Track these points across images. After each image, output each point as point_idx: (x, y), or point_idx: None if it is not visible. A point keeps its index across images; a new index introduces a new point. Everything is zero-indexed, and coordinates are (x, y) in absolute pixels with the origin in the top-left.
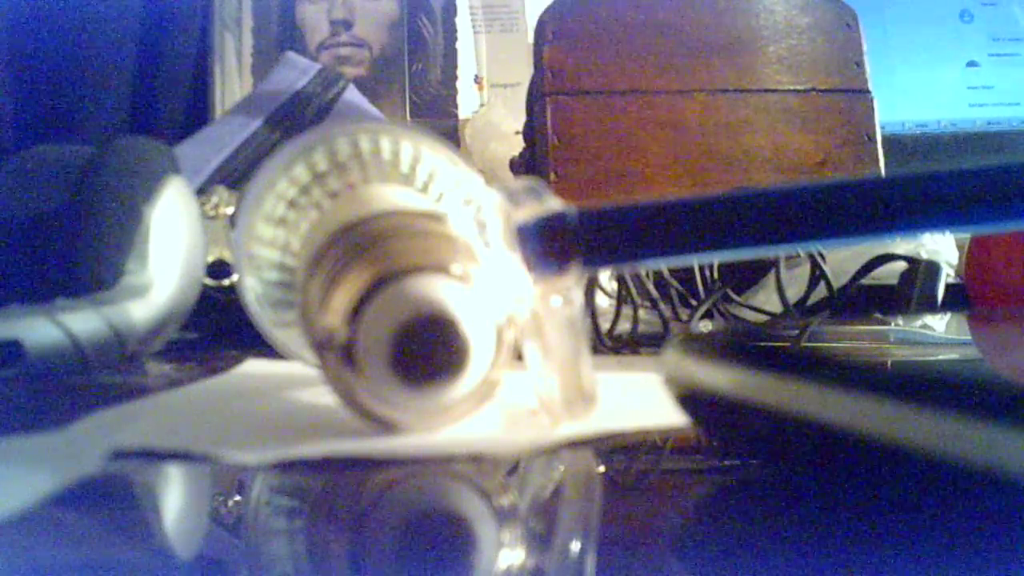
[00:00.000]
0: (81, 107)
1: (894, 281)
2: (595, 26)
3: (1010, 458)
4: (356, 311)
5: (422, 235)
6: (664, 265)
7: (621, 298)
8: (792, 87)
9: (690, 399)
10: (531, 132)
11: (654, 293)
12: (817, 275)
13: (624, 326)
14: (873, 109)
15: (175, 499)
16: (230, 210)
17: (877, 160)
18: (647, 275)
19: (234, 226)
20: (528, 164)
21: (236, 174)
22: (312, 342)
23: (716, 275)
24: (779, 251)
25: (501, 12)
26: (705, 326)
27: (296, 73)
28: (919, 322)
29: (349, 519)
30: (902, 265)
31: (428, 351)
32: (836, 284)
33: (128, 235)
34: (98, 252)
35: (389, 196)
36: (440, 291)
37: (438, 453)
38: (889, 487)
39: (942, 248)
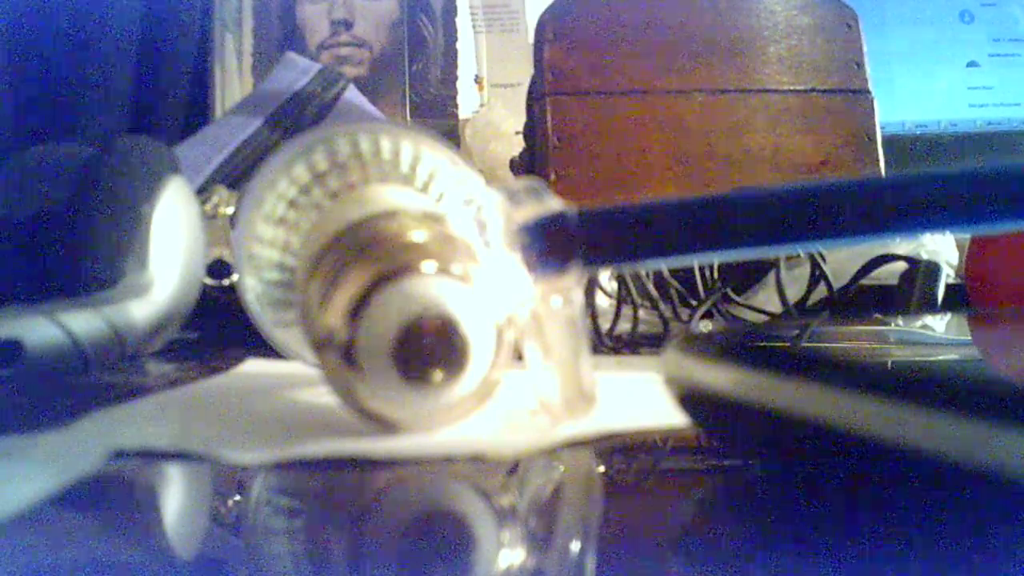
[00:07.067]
0: (81, 107)
1: (894, 281)
2: (595, 26)
3: (1010, 458)
4: (356, 311)
5: (422, 235)
6: (664, 265)
7: (621, 298)
8: (792, 87)
9: (690, 399)
10: (531, 132)
11: (654, 293)
12: (817, 275)
13: (624, 326)
14: (873, 109)
15: (175, 499)
16: (230, 210)
17: (877, 160)
18: (647, 275)
19: (234, 226)
20: (528, 164)
21: (236, 174)
22: (312, 342)
23: (716, 275)
24: (779, 251)
25: (501, 12)
26: (705, 326)
27: (296, 73)
28: (919, 322)
29: (349, 519)
30: (902, 265)
31: (428, 351)
32: (836, 284)
33: (128, 235)
34: (98, 252)
35: (389, 196)
36: (440, 291)
37: (438, 453)
38: (889, 487)
39: (942, 248)
